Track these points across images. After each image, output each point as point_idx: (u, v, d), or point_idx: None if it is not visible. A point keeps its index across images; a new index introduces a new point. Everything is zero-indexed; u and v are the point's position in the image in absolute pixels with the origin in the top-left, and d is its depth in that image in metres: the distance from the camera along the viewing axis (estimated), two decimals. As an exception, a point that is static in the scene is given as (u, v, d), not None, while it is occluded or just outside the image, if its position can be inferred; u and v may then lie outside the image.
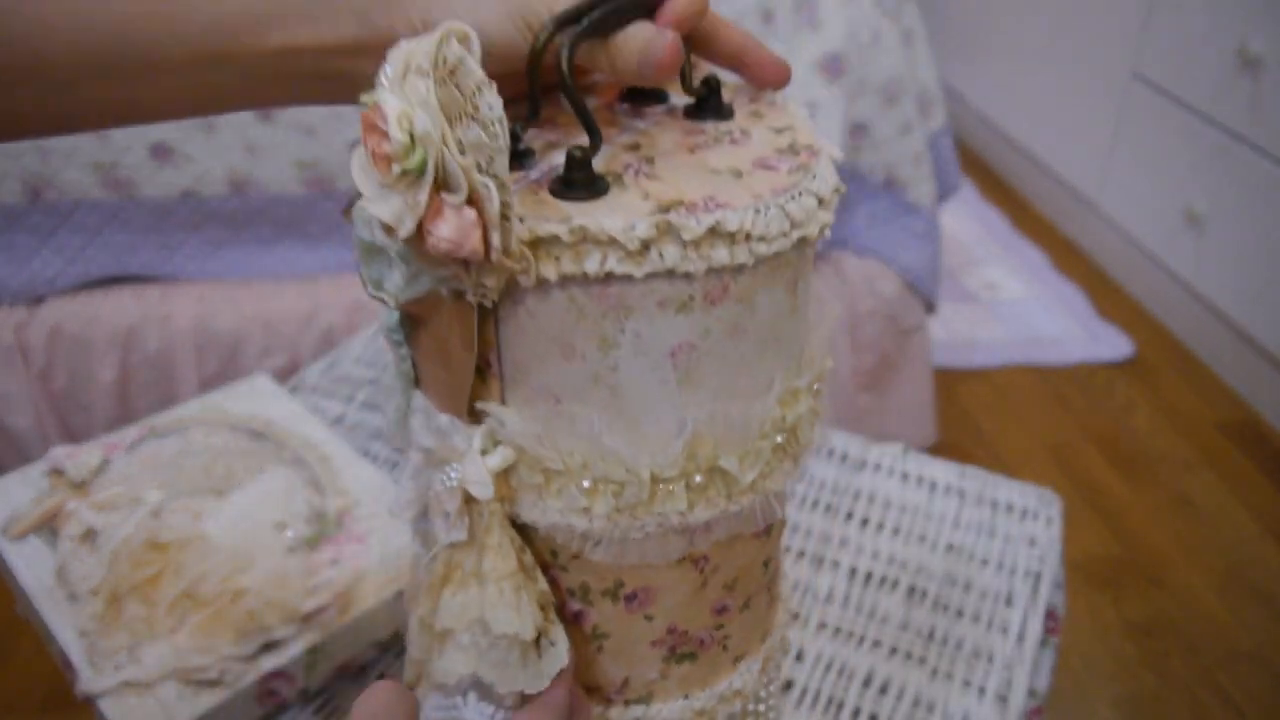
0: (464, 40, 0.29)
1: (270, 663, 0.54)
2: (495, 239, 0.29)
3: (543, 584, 0.37)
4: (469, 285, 0.31)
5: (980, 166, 2.51)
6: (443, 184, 0.29)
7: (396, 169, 0.28)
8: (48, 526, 0.62)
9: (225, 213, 1.25)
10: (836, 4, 1.24)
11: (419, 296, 0.33)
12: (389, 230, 0.29)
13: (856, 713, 0.58)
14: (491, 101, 0.29)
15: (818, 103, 1.26)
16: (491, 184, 0.28)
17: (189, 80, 0.36)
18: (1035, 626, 0.63)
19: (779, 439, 0.37)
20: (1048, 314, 1.93)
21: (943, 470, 0.76)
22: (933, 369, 1.48)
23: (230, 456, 0.67)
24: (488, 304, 0.32)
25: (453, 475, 0.35)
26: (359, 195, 0.31)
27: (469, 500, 0.35)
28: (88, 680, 0.52)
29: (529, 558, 0.37)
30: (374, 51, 0.34)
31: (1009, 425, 1.65)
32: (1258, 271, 1.64)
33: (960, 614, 0.65)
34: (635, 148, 0.36)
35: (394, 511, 0.40)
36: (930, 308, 1.43)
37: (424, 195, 0.28)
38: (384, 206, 0.29)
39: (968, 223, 2.23)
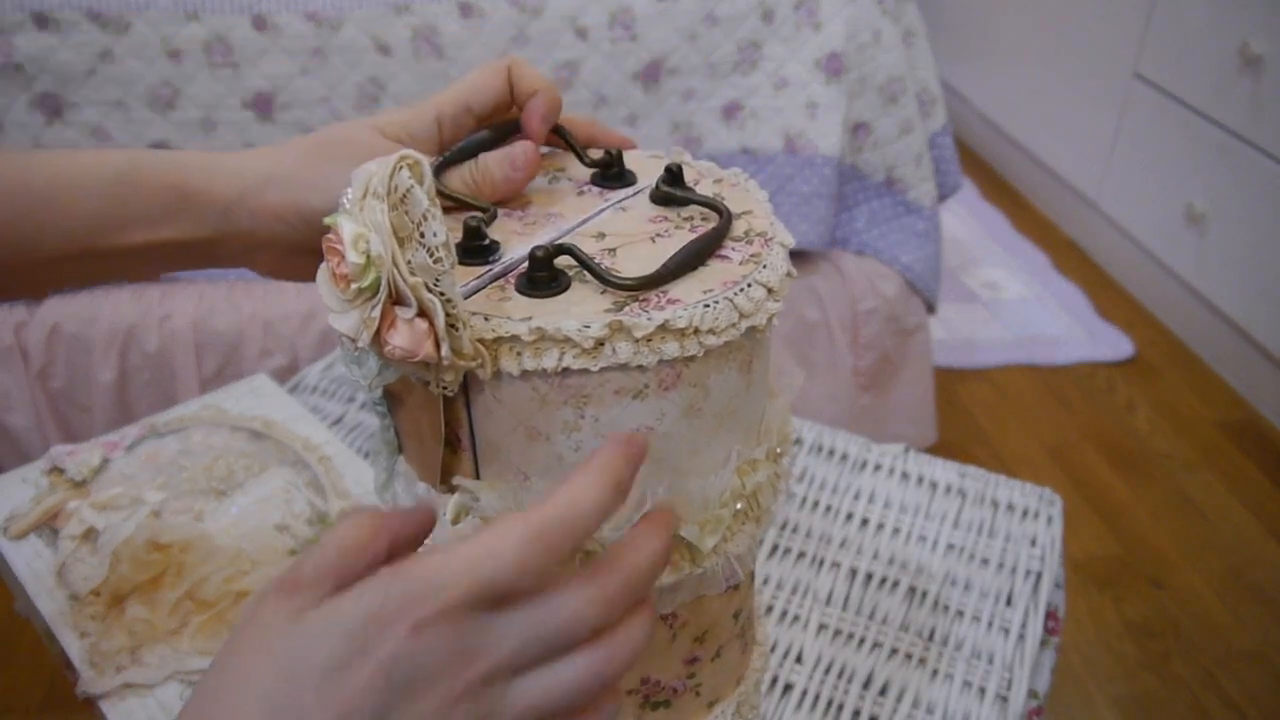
0: (415, 168, 0.31)
1: (271, 664, 0.54)
2: (445, 348, 0.32)
3: None
4: (430, 379, 0.34)
5: (981, 166, 2.51)
6: (396, 299, 0.32)
7: (353, 288, 0.31)
8: (48, 526, 0.61)
9: (225, 212, 1.25)
10: (837, 3, 1.24)
11: (391, 380, 0.36)
12: (350, 340, 0.32)
13: (856, 714, 0.58)
14: (435, 229, 0.31)
15: (818, 102, 1.26)
16: (438, 301, 0.31)
17: (63, 268, 0.41)
18: (1035, 626, 0.63)
19: (739, 506, 0.39)
20: (1048, 314, 1.93)
21: (943, 470, 0.76)
22: (933, 369, 1.48)
23: (230, 457, 0.67)
24: (449, 394, 0.34)
25: (425, 543, 0.37)
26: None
27: None
28: (88, 681, 0.52)
29: None
30: (235, 241, 0.40)
31: (1009, 425, 1.65)
32: (1258, 271, 1.64)
33: (960, 614, 0.65)
34: (601, 236, 0.38)
35: None
36: (931, 307, 1.43)
37: (377, 312, 0.31)
38: (344, 320, 0.32)
39: (968, 222, 2.23)
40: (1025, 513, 0.72)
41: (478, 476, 0.38)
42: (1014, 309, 1.94)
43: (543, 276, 0.35)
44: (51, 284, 0.42)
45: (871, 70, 1.27)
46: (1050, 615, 0.65)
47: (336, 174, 0.38)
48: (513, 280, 0.36)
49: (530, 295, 0.35)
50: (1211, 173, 1.71)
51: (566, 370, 0.33)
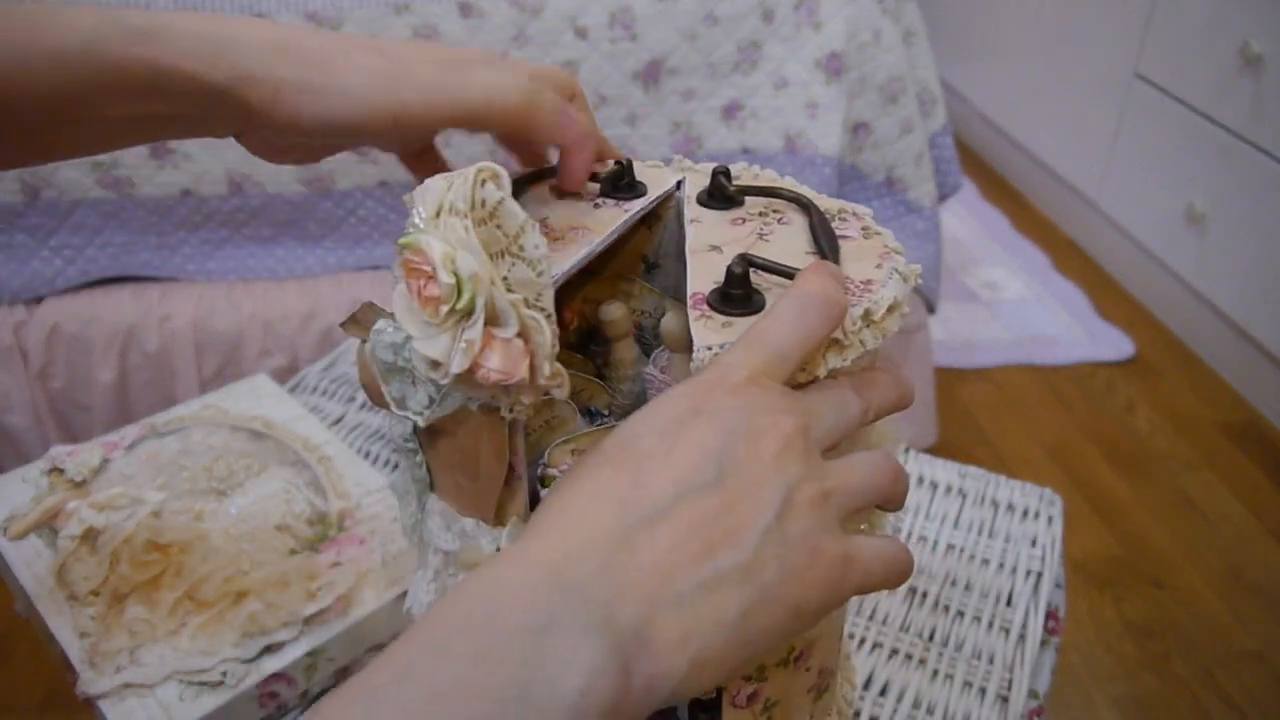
0: (496, 179, 0.30)
1: (271, 665, 0.54)
2: (545, 367, 0.30)
3: None
4: (506, 403, 0.32)
5: (981, 166, 2.51)
6: (491, 320, 0.30)
7: (444, 310, 0.29)
8: (47, 526, 0.61)
9: (224, 212, 1.25)
10: (837, 3, 1.24)
11: (449, 411, 0.33)
12: (436, 366, 0.30)
13: (857, 715, 0.58)
14: (537, 242, 0.30)
15: (818, 101, 1.26)
16: (540, 317, 0.30)
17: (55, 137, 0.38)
18: (1036, 627, 0.63)
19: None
20: (1048, 314, 1.93)
21: (943, 470, 0.76)
22: (933, 369, 1.48)
23: (231, 457, 0.67)
24: (521, 419, 0.33)
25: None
26: (370, 315, 0.32)
27: None
28: (88, 681, 0.52)
29: None
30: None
31: (1009, 425, 1.65)
32: (1258, 271, 1.64)
33: (960, 614, 0.65)
34: (717, 248, 0.38)
35: (412, 613, 0.40)
36: (931, 307, 1.43)
37: (476, 333, 0.29)
38: (433, 345, 0.30)
39: (968, 222, 2.23)
40: (1025, 513, 0.72)
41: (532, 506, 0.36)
42: (1014, 309, 1.94)
43: (739, 294, 0.34)
44: (44, 151, 0.40)
45: (871, 70, 1.27)
46: (1050, 615, 0.65)
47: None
48: (704, 303, 0.35)
49: (730, 314, 0.34)
50: (1211, 173, 1.71)
51: (833, 372, 0.33)
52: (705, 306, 0.34)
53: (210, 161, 1.22)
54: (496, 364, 0.30)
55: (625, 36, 1.21)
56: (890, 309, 0.34)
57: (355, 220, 1.27)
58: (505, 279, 0.30)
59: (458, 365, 0.30)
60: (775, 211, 0.40)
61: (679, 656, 0.27)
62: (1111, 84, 1.97)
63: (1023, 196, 2.37)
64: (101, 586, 0.56)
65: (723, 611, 0.28)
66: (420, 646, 0.25)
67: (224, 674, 0.53)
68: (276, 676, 0.54)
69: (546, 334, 0.30)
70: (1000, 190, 2.39)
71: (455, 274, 0.29)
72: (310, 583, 0.58)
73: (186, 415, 0.71)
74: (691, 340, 0.35)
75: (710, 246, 0.38)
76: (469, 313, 0.29)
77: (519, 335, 0.30)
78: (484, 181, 0.30)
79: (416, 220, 0.30)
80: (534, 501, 0.37)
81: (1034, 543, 0.70)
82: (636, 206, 0.42)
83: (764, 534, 0.29)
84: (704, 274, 0.36)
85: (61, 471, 0.65)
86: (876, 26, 1.25)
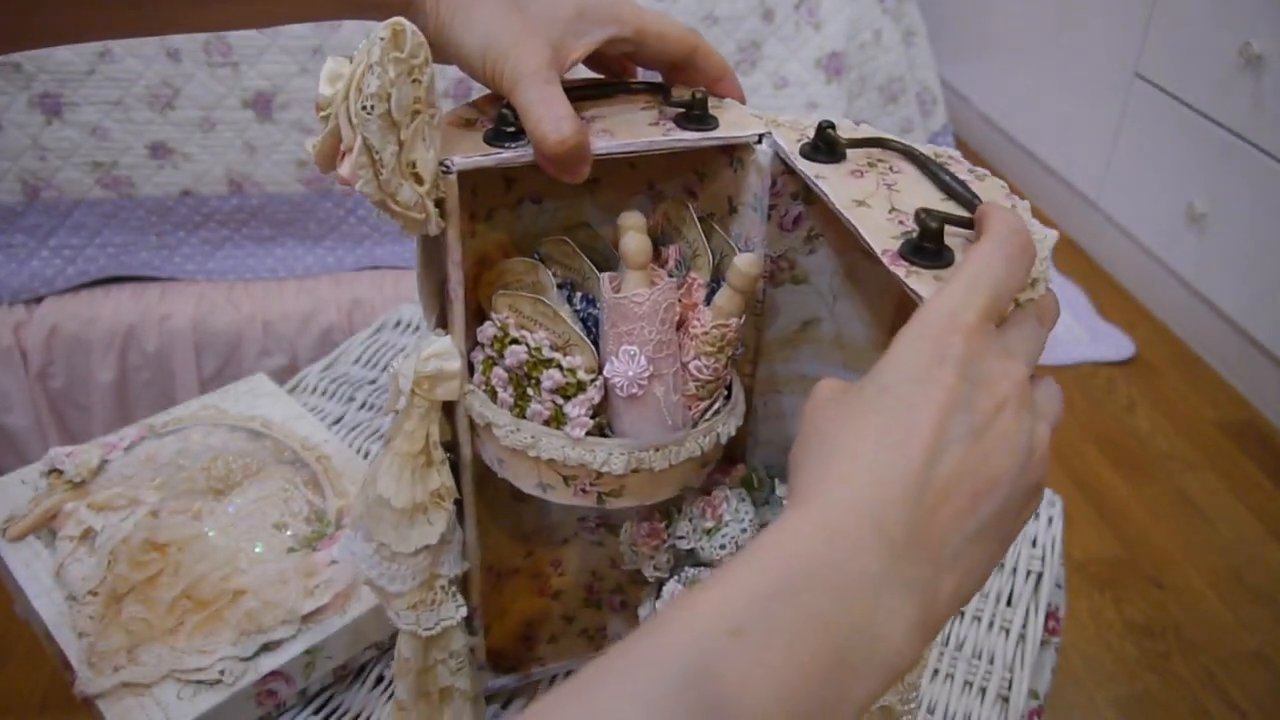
0: (398, 34, 0.35)
1: (269, 663, 0.54)
2: (361, 182, 0.36)
3: (447, 478, 0.44)
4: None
5: (981, 166, 2.50)
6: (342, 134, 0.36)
7: (321, 115, 0.37)
8: (46, 527, 0.61)
9: (224, 212, 1.25)
10: (837, 3, 1.24)
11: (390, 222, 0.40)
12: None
13: (857, 713, 0.58)
14: (370, 83, 0.35)
15: (818, 101, 1.26)
16: (359, 139, 0.36)
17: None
18: (1036, 627, 0.63)
19: None
20: (1048, 314, 1.93)
21: (943, 470, 0.75)
22: (933, 369, 1.48)
23: (229, 456, 0.66)
24: (407, 237, 0.40)
25: (395, 364, 0.44)
26: None
27: (400, 388, 0.43)
28: (86, 681, 0.52)
29: (440, 454, 0.44)
30: None
31: (1009, 425, 1.65)
32: (1259, 271, 1.64)
33: (961, 614, 0.64)
34: (863, 204, 0.38)
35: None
36: (930, 307, 1.43)
37: (320, 136, 0.37)
38: (310, 140, 0.38)
39: (968, 222, 2.23)
40: (1025, 512, 0.72)
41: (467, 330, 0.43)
42: (1014, 309, 1.94)
43: (932, 248, 0.35)
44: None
45: (872, 70, 1.27)
46: (1050, 615, 0.65)
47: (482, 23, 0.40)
48: (900, 258, 0.35)
49: (929, 266, 0.34)
50: (1211, 173, 1.71)
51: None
52: (905, 261, 0.35)
53: (210, 161, 1.22)
54: (342, 170, 0.36)
55: (625, 36, 1.21)
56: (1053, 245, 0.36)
57: (355, 220, 1.27)
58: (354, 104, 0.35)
59: (312, 155, 0.37)
60: (881, 161, 0.41)
61: (947, 610, 0.29)
62: (1111, 84, 1.97)
63: (1023, 196, 2.37)
64: (99, 586, 0.56)
65: (979, 563, 0.30)
66: (779, 578, 0.27)
67: (222, 672, 0.53)
68: (274, 674, 0.54)
69: (355, 154, 0.35)
70: (1000, 190, 2.39)
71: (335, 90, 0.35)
72: (308, 580, 0.58)
73: (185, 416, 0.71)
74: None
75: (855, 201, 0.38)
76: (328, 120, 0.36)
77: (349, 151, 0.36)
78: (386, 28, 0.34)
79: (360, 46, 0.36)
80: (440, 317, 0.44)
81: (1034, 543, 0.69)
82: (682, 135, 0.42)
83: (1012, 485, 0.30)
84: (870, 230, 0.36)
85: (60, 472, 0.64)
86: (876, 26, 1.25)
